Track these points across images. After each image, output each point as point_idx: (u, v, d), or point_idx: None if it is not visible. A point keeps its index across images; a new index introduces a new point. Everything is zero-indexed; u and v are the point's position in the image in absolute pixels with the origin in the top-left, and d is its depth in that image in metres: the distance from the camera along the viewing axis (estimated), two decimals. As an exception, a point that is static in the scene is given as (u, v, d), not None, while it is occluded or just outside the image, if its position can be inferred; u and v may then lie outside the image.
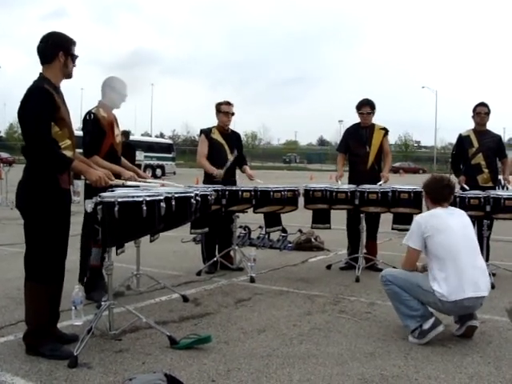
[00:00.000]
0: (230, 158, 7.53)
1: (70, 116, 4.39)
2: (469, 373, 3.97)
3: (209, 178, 7.38)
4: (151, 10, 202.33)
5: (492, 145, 7.59)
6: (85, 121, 5.78)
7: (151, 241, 6.27)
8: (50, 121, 4.10)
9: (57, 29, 4.46)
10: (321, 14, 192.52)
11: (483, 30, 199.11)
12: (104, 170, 4.54)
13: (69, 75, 4.40)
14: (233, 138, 7.71)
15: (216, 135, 7.53)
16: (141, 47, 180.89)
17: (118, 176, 5.30)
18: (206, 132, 7.59)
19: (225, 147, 7.53)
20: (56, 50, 4.25)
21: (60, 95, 4.28)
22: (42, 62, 4.29)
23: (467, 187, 7.31)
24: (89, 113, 5.77)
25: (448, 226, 4.68)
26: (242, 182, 8.18)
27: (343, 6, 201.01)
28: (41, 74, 4.26)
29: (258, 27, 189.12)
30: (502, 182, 8.02)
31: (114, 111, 6.01)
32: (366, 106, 7.72)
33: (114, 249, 4.83)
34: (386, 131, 7.81)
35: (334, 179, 7.93)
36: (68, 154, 4.24)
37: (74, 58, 4.37)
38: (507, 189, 7.30)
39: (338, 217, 7.87)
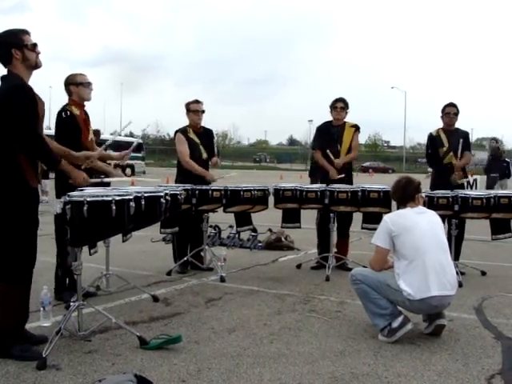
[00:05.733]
0: (204, 156, 7.50)
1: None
2: (437, 370, 4.02)
3: (186, 177, 7.35)
4: (121, 5, 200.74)
5: (462, 142, 7.67)
6: (60, 118, 5.65)
7: (124, 240, 6.24)
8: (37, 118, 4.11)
9: (19, 24, 4.36)
10: (292, 13, 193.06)
11: (451, 32, 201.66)
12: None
13: (35, 66, 4.27)
14: (205, 135, 7.68)
15: (192, 135, 7.51)
16: (110, 44, 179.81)
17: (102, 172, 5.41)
18: (182, 131, 7.54)
19: (199, 146, 7.50)
20: (8, 50, 4.13)
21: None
22: (4, 65, 4.20)
23: (466, 180, 7.38)
24: (64, 110, 5.65)
25: (415, 225, 4.72)
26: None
27: (314, 6, 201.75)
28: (9, 71, 4.18)
29: (229, 25, 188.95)
30: (471, 180, 8.12)
31: (86, 109, 5.94)
32: (339, 102, 7.78)
33: (86, 249, 4.79)
34: (356, 128, 7.83)
35: (303, 178, 7.96)
36: None
37: (30, 47, 4.20)
38: (475, 187, 7.40)
39: (308, 216, 7.90)
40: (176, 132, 7.65)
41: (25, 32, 4.24)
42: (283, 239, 9.32)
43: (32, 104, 4.08)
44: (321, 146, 7.93)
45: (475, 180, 17.18)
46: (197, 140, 7.51)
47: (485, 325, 5.12)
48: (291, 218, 7.56)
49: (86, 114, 5.89)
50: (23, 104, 4.01)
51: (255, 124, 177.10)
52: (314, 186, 7.39)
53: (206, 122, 7.81)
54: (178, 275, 7.06)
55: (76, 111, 5.69)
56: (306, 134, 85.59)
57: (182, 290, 6.35)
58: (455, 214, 6.82)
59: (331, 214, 7.22)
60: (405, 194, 4.93)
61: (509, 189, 16.17)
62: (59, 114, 5.67)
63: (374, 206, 7.05)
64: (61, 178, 5.55)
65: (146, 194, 4.89)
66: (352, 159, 8.01)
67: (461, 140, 7.56)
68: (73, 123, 5.62)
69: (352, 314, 5.39)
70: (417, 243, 4.63)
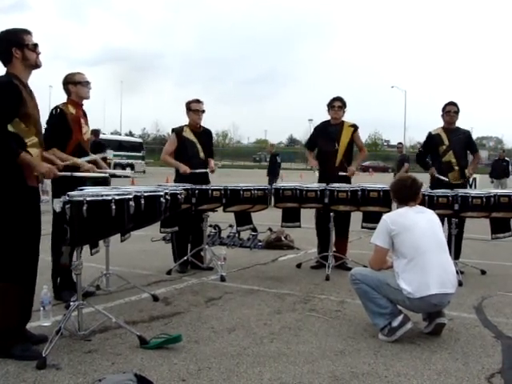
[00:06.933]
0: (201, 155, 7.50)
1: (39, 114, 4.32)
2: (437, 369, 4.02)
3: (181, 176, 7.34)
4: (121, 5, 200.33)
5: (462, 141, 7.69)
6: (50, 115, 5.68)
7: (122, 240, 6.22)
8: (13, 115, 4.03)
9: (19, 23, 4.35)
10: (292, 13, 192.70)
11: (451, 31, 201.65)
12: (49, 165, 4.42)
13: (35, 65, 4.27)
14: (204, 135, 7.68)
15: (188, 133, 7.49)
16: (110, 43, 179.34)
17: (77, 169, 5.36)
18: (177, 131, 7.54)
19: (197, 145, 7.49)
20: (8, 48, 4.13)
21: (28, 91, 4.21)
22: (3, 64, 4.19)
23: (444, 178, 7.38)
24: (56, 107, 5.67)
25: (415, 224, 4.72)
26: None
27: (314, 6, 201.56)
28: (6, 71, 4.18)
29: (229, 25, 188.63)
30: (470, 180, 8.15)
31: (84, 108, 5.94)
32: (337, 101, 7.79)
33: (87, 248, 4.78)
34: (355, 128, 7.83)
35: (304, 178, 7.97)
36: (34, 151, 4.19)
37: (31, 47, 4.20)
38: (475, 186, 7.41)
39: (308, 215, 7.90)
40: (172, 130, 7.67)
41: (26, 32, 4.24)
42: (283, 238, 9.33)
43: (10, 100, 4.00)
44: (316, 145, 7.98)
45: (474, 179, 17.20)
46: (194, 139, 7.50)
47: (485, 324, 5.12)
48: (291, 217, 7.56)
49: (84, 113, 5.89)
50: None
51: (255, 123, 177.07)
52: (314, 185, 7.39)
53: (206, 121, 7.83)
54: (178, 274, 7.06)
55: (72, 110, 5.69)
56: (306, 133, 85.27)
57: (182, 289, 6.35)
58: (455, 213, 6.82)
59: (330, 214, 7.22)
60: (410, 193, 4.91)
61: (508, 188, 16.21)
62: (50, 111, 5.71)
63: (374, 206, 7.05)
64: (57, 178, 5.56)
65: (145, 194, 4.88)
66: (365, 158, 8.31)
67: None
68: (61, 122, 5.61)
69: (352, 314, 5.39)
70: (416, 242, 4.62)
